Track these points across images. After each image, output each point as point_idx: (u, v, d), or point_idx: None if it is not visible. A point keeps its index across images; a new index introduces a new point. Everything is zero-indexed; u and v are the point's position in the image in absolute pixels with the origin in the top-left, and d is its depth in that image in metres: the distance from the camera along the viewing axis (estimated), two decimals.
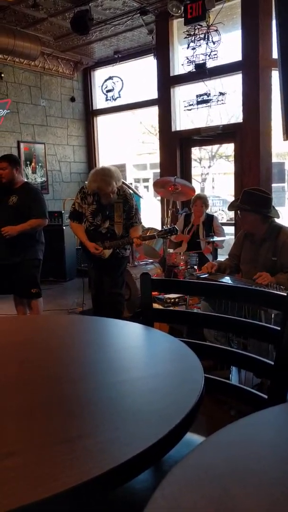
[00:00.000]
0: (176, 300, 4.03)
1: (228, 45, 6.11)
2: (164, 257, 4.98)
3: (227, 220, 8.10)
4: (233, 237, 5.84)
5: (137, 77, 8.16)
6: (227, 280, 3.12)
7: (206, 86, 6.30)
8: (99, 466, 0.77)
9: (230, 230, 6.50)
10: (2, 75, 7.13)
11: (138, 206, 4.08)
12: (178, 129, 7.03)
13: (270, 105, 5.94)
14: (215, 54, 5.97)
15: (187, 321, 2.32)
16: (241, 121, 6.16)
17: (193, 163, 7.79)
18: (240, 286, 2.64)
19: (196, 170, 11.16)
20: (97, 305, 4.03)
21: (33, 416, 1.01)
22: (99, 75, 8.52)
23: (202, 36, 6.00)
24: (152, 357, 1.45)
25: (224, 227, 5.61)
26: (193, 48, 6.10)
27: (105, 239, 3.73)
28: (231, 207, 3.46)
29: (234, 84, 6.36)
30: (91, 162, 8.71)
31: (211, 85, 6.33)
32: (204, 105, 6.30)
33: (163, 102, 7.00)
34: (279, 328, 1.43)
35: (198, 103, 6.32)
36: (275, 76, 5.56)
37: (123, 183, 3.94)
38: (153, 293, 2.25)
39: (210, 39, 5.96)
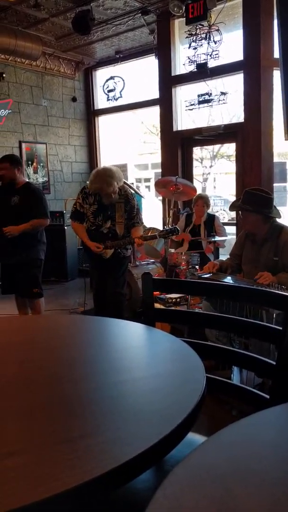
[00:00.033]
0: (178, 300, 4.03)
1: (230, 44, 6.11)
2: (166, 257, 4.98)
3: (229, 220, 8.09)
4: (234, 237, 5.85)
5: (139, 77, 8.16)
6: (228, 280, 3.11)
7: (207, 86, 6.30)
8: (101, 466, 0.77)
9: (231, 230, 6.50)
10: (4, 75, 7.13)
11: (139, 206, 4.08)
12: (179, 129, 7.03)
13: (271, 105, 5.93)
14: (217, 54, 5.97)
15: (189, 321, 2.32)
16: (243, 120, 6.16)
17: (195, 163, 7.79)
18: (242, 286, 2.64)
19: (197, 170, 11.16)
20: (99, 305, 4.04)
21: (34, 416, 1.01)
22: (101, 75, 8.52)
23: (203, 35, 5.99)
24: (154, 357, 1.44)
25: (226, 227, 5.60)
26: (195, 48, 6.09)
27: (106, 239, 3.73)
28: (232, 207, 3.46)
29: (235, 83, 6.36)
30: (92, 162, 8.71)
31: (213, 85, 6.33)
32: (206, 104, 6.30)
33: (165, 102, 7.00)
34: (280, 328, 1.43)
35: (200, 102, 6.32)
36: (277, 76, 5.55)
37: (124, 183, 3.94)
38: (154, 293, 2.24)
39: (212, 38, 5.95)
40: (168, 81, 6.88)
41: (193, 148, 7.36)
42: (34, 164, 7.74)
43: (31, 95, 7.65)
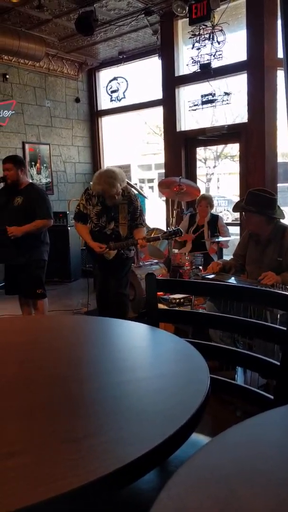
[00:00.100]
0: (181, 300, 4.02)
1: (233, 45, 6.10)
2: (169, 257, 4.97)
3: (232, 220, 8.08)
4: (238, 237, 5.83)
5: (142, 77, 8.16)
6: (232, 280, 3.11)
7: (211, 86, 6.29)
8: (104, 466, 0.77)
9: (235, 230, 6.49)
10: (7, 76, 7.15)
11: (143, 207, 4.08)
12: (183, 129, 7.02)
13: (275, 105, 5.92)
14: (220, 54, 5.96)
15: (193, 321, 2.32)
16: (246, 121, 6.15)
17: (198, 163, 7.78)
18: (246, 286, 2.63)
19: (201, 170, 11.14)
20: (102, 306, 4.04)
21: (37, 416, 1.01)
22: (104, 75, 8.53)
23: (207, 36, 5.99)
24: (158, 357, 1.44)
25: (229, 227, 5.59)
26: (198, 48, 6.09)
27: (109, 240, 3.73)
28: (236, 208, 3.45)
29: (239, 84, 6.35)
30: (95, 163, 8.72)
31: (216, 85, 6.32)
32: (209, 105, 6.29)
33: (168, 102, 7.00)
34: (285, 328, 1.42)
35: (203, 103, 6.32)
36: (281, 76, 5.54)
37: (127, 183, 3.94)
38: (158, 293, 2.23)
39: (215, 39, 5.95)
40: (172, 81, 6.88)
41: (197, 148, 7.36)
42: (38, 165, 7.75)
43: (35, 96, 7.66)
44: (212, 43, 5.98)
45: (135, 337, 1.64)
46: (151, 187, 15.61)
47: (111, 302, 3.93)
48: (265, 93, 5.80)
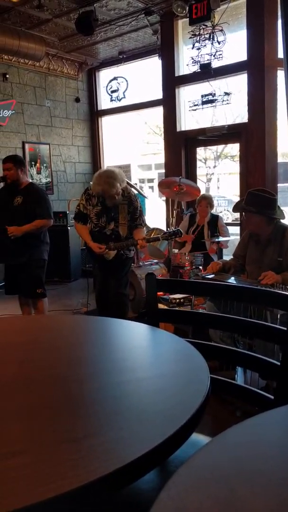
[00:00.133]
0: (181, 300, 4.02)
1: (233, 45, 6.10)
2: (169, 257, 4.97)
3: (232, 220, 8.08)
4: (238, 237, 5.83)
5: (142, 77, 8.16)
6: (232, 280, 3.11)
7: (211, 86, 6.29)
8: (105, 466, 0.77)
9: (235, 230, 6.49)
10: (7, 76, 7.15)
11: (143, 207, 4.07)
12: (183, 129, 7.02)
13: (275, 105, 5.92)
14: (220, 54, 5.96)
15: (193, 321, 2.32)
16: (246, 121, 6.15)
17: (198, 163, 7.78)
18: (246, 286, 2.63)
19: (201, 170, 11.13)
20: (101, 306, 4.04)
21: (37, 416, 1.01)
22: (104, 75, 8.53)
23: (207, 36, 5.99)
24: (158, 357, 1.44)
25: (229, 227, 5.59)
26: (198, 48, 6.09)
27: (109, 241, 3.73)
28: (236, 208, 3.45)
29: (239, 84, 6.35)
30: (95, 163, 8.72)
31: (216, 85, 6.32)
32: (209, 105, 6.29)
33: (168, 102, 7.00)
34: (285, 328, 1.42)
35: (203, 103, 6.31)
36: (281, 76, 5.54)
37: (127, 183, 3.94)
38: (158, 293, 2.23)
39: (215, 39, 5.95)
40: (172, 81, 6.88)
41: (197, 148, 7.35)
42: (38, 164, 7.75)
43: (35, 95, 7.66)
44: (212, 43, 5.98)
45: (135, 337, 1.64)
46: (151, 187, 15.62)
47: (111, 302, 3.93)
48: (265, 93, 5.80)
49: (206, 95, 6.27)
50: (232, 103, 6.23)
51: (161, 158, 7.91)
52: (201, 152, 10.79)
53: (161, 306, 3.75)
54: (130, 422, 0.96)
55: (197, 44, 6.08)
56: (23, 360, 1.37)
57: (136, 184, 7.99)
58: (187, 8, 5.69)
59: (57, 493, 0.70)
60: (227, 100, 6.15)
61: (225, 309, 2.87)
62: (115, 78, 8.12)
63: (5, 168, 3.97)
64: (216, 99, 6.21)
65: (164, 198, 7.48)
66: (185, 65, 6.57)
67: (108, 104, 8.36)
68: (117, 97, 8.08)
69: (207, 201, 5.40)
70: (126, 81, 7.98)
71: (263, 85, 5.79)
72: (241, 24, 6.02)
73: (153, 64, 7.48)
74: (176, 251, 5.33)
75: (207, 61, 6.05)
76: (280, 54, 5.38)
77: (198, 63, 6.13)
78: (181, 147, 6.99)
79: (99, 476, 0.74)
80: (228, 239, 5.26)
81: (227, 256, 4.80)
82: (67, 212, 7.20)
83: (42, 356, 1.40)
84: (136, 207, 3.79)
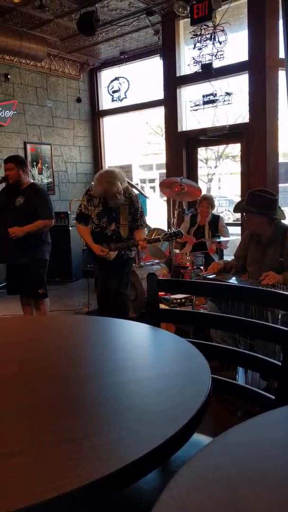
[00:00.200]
0: (183, 300, 4.02)
1: (235, 45, 6.10)
2: (170, 257, 4.97)
3: (234, 221, 8.07)
4: (239, 237, 5.83)
5: (143, 77, 8.16)
6: (233, 280, 3.10)
7: (212, 86, 6.29)
8: (106, 466, 0.77)
9: (236, 230, 6.49)
10: (9, 76, 7.16)
11: (144, 207, 4.07)
12: (184, 129, 7.02)
13: (276, 105, 5.92)
14: (222, 54, 5.96)
15: (194, 321, 2.31)
16: (248, 121, 6.14)
17: (199, 164, 7.78)
18: (247, 287, 2.63)
19: (202, 170, 11.15)
20: (102, 306, 4.04)
21: (38, 416, 1.00)
22: (105, 75, 8.53)
23: (208, 36, 5.99)
24: (159, 357, 1.44)
25: (230, 228, 5.59)
26: (200, 48, 6.09)
27: (110, 241, 3.73)
28: (237, 208, 3.44)
29: (240, 84, 6.35)
30: (97, 163, 8.73)
31: (218, 85, 6.32)
32: (211, 105, 6.29)
33: (169, 103, 7.00)
34: (286, 329, 1.42)
35: (205, 103, 6.31)
36: (282, 76, 5.54)
37: (128, 183, 3.94)
38: (159, 293, 2.24)
39: (217, 39, 5.95)
40: (173, 81, 6.88)
41: (198, 148, 7.35)
42: (39, 165, 7.76)
43: (36, 96, 7.67)
44: (213, 43, 5.98)
45: (136, 337, 1.64)
46: (153, 187, 15.62)
47: (112, 302, 3.93)
48: (267, 93, 5.80)
49: (207, 95, 6.27)
50: (233, 103, 6.23)
51: (162, 158, 7.91)
52: (202, 152, 10.79)
53: (162, 306, 3.75)
54: (131, 422, 0.95)
55: (198, 44, 6.08)
56: (23, 360, 1.37)
57: (137, 184, 8.00)
58: (188, 8, 5.69)
59: (57, 493, 0.70)
60: (228, 100, 6.15)
61: (226, 309, 2.86)
62: (116, 78, 8.12)
63: (7, 168, 3.97)
64: (217, 99, 6.21)
65: (165, 198, 7.48)
66: (186, 65, 6.57)
67: (110, 104, 8.37)
68: (118, 97, 8.08)
69: (208, 201, 5.39)
70: (128, 81, 7.99)
71: (264, 85, 5.79)
72: (242, 24, 6.02)
73: (155, 64, 7.48)
74: (177, 251, 5.33)
75: (208, 61, 6.05)
76: (281, 54, 5.38)
77: (199, 63, 6.13)
78: (182, 147, 6.99)
79: (100, 476, 0.74)
80: (228, 240, 5.26)
81: (228, 256, 4.79)
82: (69, 212, 7.20)
83: (42, 356, 1.40)
84: (137, 208, 3.79)
